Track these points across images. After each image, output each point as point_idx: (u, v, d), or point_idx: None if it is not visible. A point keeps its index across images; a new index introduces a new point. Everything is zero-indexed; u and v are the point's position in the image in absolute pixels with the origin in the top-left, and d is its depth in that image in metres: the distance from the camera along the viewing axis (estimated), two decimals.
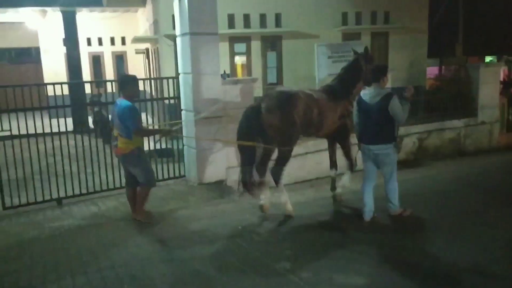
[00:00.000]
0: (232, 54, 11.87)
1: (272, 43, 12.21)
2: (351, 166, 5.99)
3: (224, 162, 6.73)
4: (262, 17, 12.04)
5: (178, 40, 6.81)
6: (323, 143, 6.28)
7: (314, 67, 10.20)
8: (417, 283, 3.68)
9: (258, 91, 10.99)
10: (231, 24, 11.70)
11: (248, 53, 12.00)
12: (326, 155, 6.21)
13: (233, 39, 11.76)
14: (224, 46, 11.38)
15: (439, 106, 9.07)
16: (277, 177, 5.31)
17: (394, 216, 5.23)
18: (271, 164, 5.44)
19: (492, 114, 9.30)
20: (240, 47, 11.89)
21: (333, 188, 6.07)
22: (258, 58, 12.04)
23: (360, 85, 5.65)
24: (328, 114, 5.49)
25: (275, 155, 5.39)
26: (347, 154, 5.94)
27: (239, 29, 11.70)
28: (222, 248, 4.53)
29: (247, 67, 12.00)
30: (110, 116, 5.21)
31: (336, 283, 3.71)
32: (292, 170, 7.06)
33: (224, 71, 7.43)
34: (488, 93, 9.22)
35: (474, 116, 9.20)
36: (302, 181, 7.20)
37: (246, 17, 11.86)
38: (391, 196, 5.18)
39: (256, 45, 12.01)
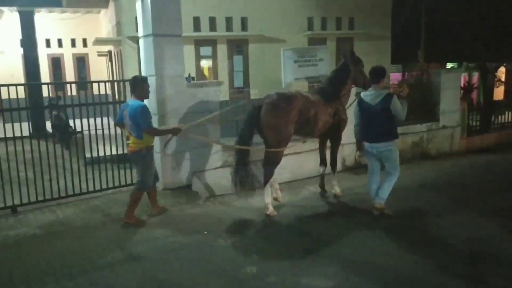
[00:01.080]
0: (198, 57, 11.73)
1: (238, 46, 12.16)
2: (335, 166, 6.26)
3: (189, 167, 6.57)
4: (228, 21, 11.98)
5: (141, 41, 6.62)
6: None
7: (281, 71, 10.21)
8: (382, 285, 3.68)
9: (225, 95, 10.92)
10: (197, 27, 11.57)
11: (214, 56, 11.90)
12: (291, 160, 6.20)
13: (199, 42, 11.63)
14: (189, 49, 11.23)
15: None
16: (268, 177, 5.54)
17: (364, 219, 5.30)
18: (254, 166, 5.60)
19: (453, 119, 9.57)
20: (206, 50, 11.77)
21: (322, 184, 6.32)
22: (225, 62, 11.96)
23: (349, 86, 6.05)
24: (322, 114, 5.73)
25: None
26: (335, 154, 6.23)
27: (205, 32, 11.59)
28: (187, 255, 4.39)
29: (213, 71, 11.89)
30: (123, 116, 5.17)
31: (303, 286, 3.66)
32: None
33: (189, 74, 7.28)
34: (449, 98, 9.49)
35: (436, 120, 9.44)
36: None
37: (212, 20, 11.76)
38: (385, 190, 5.38)
39: (222, 49, 11.92)
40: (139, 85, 5.12)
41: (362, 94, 5.46)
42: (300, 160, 7.32)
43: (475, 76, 16.48)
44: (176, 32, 6.33)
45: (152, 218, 5.48)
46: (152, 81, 6.37)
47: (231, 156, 6.66)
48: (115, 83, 9.82)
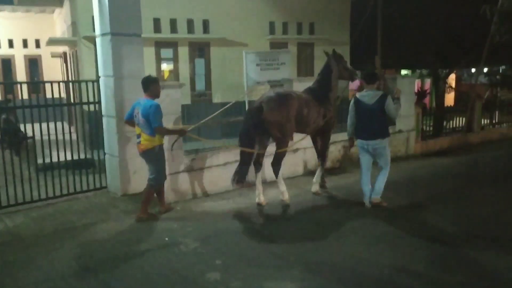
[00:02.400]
0: (159, 59, 11.46)
1: (200, 49, 11.99)
2: (324, 163, 6.65)
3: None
4: (190, 23, 11.80)
5: (98, 40, 6.35)
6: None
7: (243, 75, 10.16)
8: (349, 287, 3.67)
9: (186, 98, 10.71)
10: (157, 29, 11.31)
11: (175, 59, 11.66)
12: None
13: (160, 44, 11.37)
14: (150, 51, 10.95)
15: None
16: (277, 170, 5.95)
17: (329, 220, 5.32)
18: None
19: (409, 123, 9.85)
20: (166, 52, 11.52)
21: (321, 180, 6.69)
22: (186, 65, 11.75)
23: (335, 84, 6.40)
24: (314, 113, 6.09)
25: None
26: (324, 151, 6.61)
27: (166, 34, 11.35)
28: (148, 262, 4.20)
29: (175, 73, 11.65)
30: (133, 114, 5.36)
31: None
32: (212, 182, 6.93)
33: (150, 76, 7.06)
34: (404, 103, 9.76)
35: (393, 124, 9.69)
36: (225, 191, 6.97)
37: (173, 22, 11.54)
38: (379, 185, 5.79)
39: (183, 51, 11.71)
40: (152, 85, 5.28)
41: (358, 95, 5.80)
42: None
43: (427, 82, 17.14)
44: (136, 31, 6.12)
45: (107, 226, 5.24)
46: (109, 82, 6.15)
47: (194, 160, 6.53)
48: (70, 85, 9.39)
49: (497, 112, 12.15)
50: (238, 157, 7.23)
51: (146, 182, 6.20)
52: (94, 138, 6.61)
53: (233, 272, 3.93)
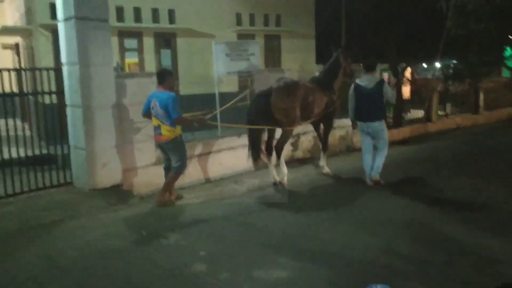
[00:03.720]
0: (122, 50, 10.97)
1: (166, 40, 11.59)
2: (326, 147, 7.15)
3: (119, 165, 6.03)
4: (155, 12, 11.38)
5: (61, 26, 5.92)
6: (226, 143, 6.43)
7: (211, 66, 9.92)
8: (337, 272, 3.61)
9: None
10: (120, 18, 10.81)
11: (140, 50, 11.21)
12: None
13: (123, 34, 10.88)
14: (112, 41, 10.45)
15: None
16: (280, 152, 6.35)
17: (313, 208, 5.32)
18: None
19: None
20: (131, 43, 11.04)
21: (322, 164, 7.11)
22: (152, 56, 11.33)
23: (340, 77, 6.89)
24: (319, 101, 6.50)
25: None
26: (327, 137, 7.14)
27: (130, 23, 10.87)
28: (126, 258, 3.95)
29: (140, 65, 11.20)
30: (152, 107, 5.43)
31: (257, 280, 3.46)
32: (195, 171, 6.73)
33: (118, 63, 6.74)
34: None
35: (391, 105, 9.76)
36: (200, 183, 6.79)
37: (137, 11, 11.07)
38: (378, 165, 6.20)
39: (148, 42, 11.28)
40: (167, 77, 5.42)
41: (357, 80, 6.34)
42: (236, 155, 7.11)
43: (386, 76, 17.56)
44: (102, 16, 5.76)
45: (78, 223, 4.91)
46: (74, 70, 5.76)
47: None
48: (26, 74, 8.75)
49: (449, 104, 12.67)
50: (211, 149, 7.13)
51: (116, 175, 5.96)
52: (53, 131, 6.14)
53: (219, 263, 3.77)
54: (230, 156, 7.12)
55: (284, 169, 6.43)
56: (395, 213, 5.11)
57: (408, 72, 16.92)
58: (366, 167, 6.34)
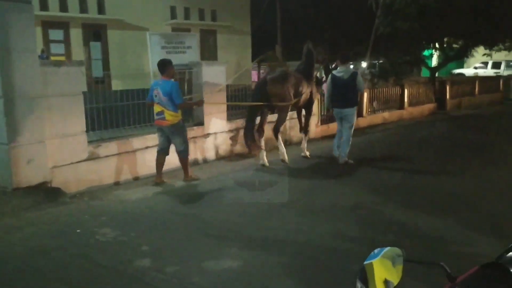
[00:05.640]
0: (47, 41, 10.20)
1: (95, 32, 10.98)
2: (307, 131, 7.82)
3: (46, 161, 5.54)
4: (82, 1, 10.72)
5: None
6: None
7: (144, 61, 9.54)
8: (289, 258, 3.59)
9: (81, 85, 9.67)
10: (44, 6, 10.04)
11: (66, 42, 10.50)
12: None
13: (48, 24, 10.12)
14: (36, 32, 9.68)
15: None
16: (277, 134, 7.13)
17: (253, 196, 5.24)
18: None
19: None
20: (56, 34, 10.30)
21: (303, 147, 7.70)
22: (80, 49, 10.66)
23: (315, 66, 7.63)
24: (304, 88, 7.25)
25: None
26: (308, 121, 7.85)
27: (55, 12, 10.13)
28: (61, 258, 3.61)
29: (67, 58, 10.48)
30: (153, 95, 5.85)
31: (208, 271, 3.33)
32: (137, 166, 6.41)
33: (43, 50, 6.23)
34: None
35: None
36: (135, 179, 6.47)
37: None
38: (344, 147, 7.02)
39: (76, 33, 10.61)
40: (168, 67, 5.87)
41: (334, 72, 7.17)
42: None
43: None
44: None
45: (1, 223, 4.43)
46: None
47: (100, 147, 5.93)
48: None
49: (375, 101, 13.34)
50: (148, 144, 6.84)
51: (44, 171, 5.49)
52: None
53: (165, 257, 3.58)
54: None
55: (282, 148, 7.20)
56: (341, 199, 5.23)
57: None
58: (335, 146, 7.30)
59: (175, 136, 5.90)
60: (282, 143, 7.28)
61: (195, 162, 7.02)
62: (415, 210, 4.76)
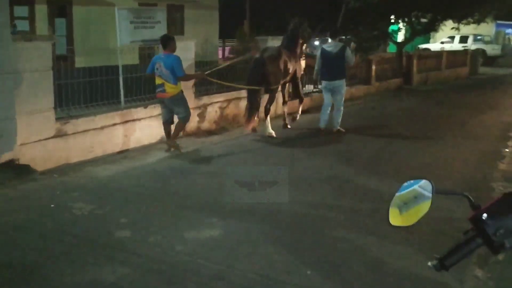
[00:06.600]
0: (12, 18, 9.66)
1: (60, 8, 10.49)
2: (301, 100, 8.10)
3: (14, 138, 5.36)
4: None
5: None
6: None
7: (110, 37, 9.22)
8: (270, 226, 3.68)
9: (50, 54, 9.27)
10: None
11: (31, 19, 10.00)
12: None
13: (12, 1, 9.55)
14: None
15: (234, 77, 9.36)
16: (268, 110, 7.30)
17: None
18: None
19: None
20: (21, 10, 9.78)
21: (284, 119, 8.04)
22: (44, 26, 10.17)
23: (300, 42, 7.75)
24: (293, 63, 7.52)
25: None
26: (298, 91, 8.13)
27: None
28: (37, 233, 3.57)
29: (32, 35, 9.99)
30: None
31: (190, 240, 3.38)
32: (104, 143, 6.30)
33: (14, 25, 6.04)
34: None
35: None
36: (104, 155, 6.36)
37: None
38: (337, 117, 7.40)
39: (41, 10, 10.11)
40: (170, 42, 6.23)
41: (324, 46, 7.61)
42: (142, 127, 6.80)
43: None
44: None
45: None
46: None
47: (67, 124, 5.78)
48: None
49: None
50: (115, 121, 6.71)
51: (11, 148, 5.32)
52: None
53: (144, 228, 3.61)
54: (137, 128, 6.77)
55: (268, 124, 7.36)
56: (318, 171, 5.36)
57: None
58: (322, 116, 7.45)
59: (176, 106, 6.17)
60: (269, 120, 7.41)
61: (162, 139, 6.86)
62: (390, 180, 4.80)
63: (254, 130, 7.25)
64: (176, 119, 6.32)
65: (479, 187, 4.60)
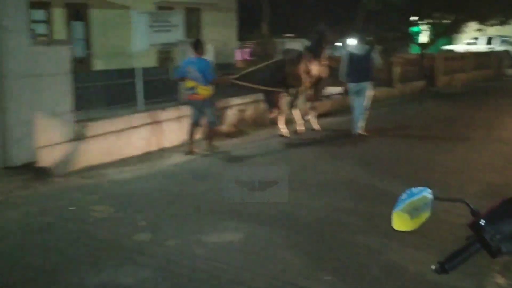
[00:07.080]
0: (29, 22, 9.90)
1: (77, 11, 10.68)
2: (317, 105, 8.38)
3: (32, 141, 5.41)
4: None
5: None
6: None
7: (128, 40, 9.30)
8: (291, 231, 3.63)
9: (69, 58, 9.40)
10: None
11: (49, 22, 10.20)
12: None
13: (30, 5, 9.78)
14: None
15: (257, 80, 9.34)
16: (292, 107, 7.75)
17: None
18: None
19: None
20: (38, 14, 9.98)
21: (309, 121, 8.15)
22: (62, 29, 10.37)
23: (325, 47, 8.04)
24: (316, 66, 7.69)
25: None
26: (318, 95, 8.47)
27: None
28: (57, 234, 3.60)
29: (49, 38, 10.19)
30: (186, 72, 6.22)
31: (210, 244, 3.35)
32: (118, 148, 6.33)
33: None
34: None
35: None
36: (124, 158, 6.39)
37: None
38: (360, 120, 7.42)
39: (58, 13, 10.31)
40: (201, 45, 6.34)
41: (350, 49, 7.90)
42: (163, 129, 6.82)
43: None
44: None
45: None
46: None
47: (85, 127, 5.82)
48: None
49: None
50: (134, 124, 6.74)
51: (32, 151, 5.39)
52: None
53: (164, 231, 3.59)
54: (157, 130, 6.79)
55: (299, 120, 7.80)
56: (335, 175, 5.27)
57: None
58: (355, 117, 7.53)
59: (206, 108, 6.27)
60: (295, 116, 7.75)
61: (182, 142, 6.76)
62: (408, 183, 4.76)
63: (275, 120, 7.47)
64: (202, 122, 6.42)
65: (502, 193, 4.43)
